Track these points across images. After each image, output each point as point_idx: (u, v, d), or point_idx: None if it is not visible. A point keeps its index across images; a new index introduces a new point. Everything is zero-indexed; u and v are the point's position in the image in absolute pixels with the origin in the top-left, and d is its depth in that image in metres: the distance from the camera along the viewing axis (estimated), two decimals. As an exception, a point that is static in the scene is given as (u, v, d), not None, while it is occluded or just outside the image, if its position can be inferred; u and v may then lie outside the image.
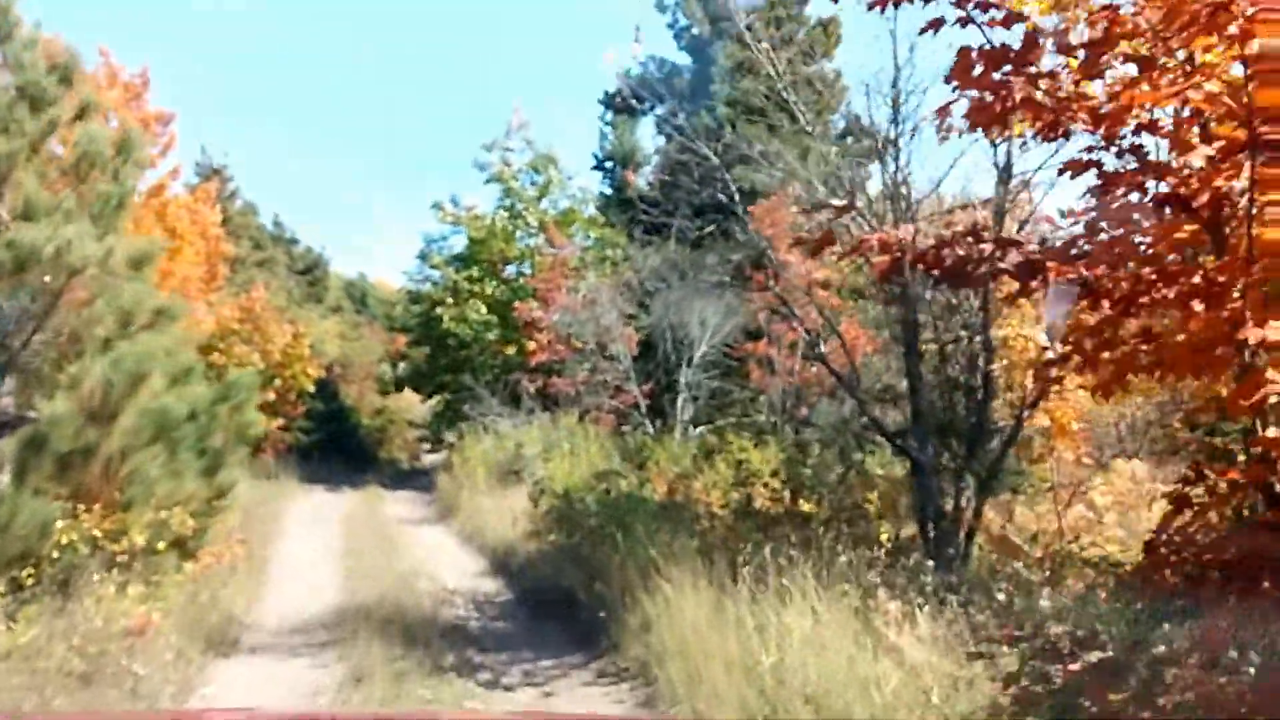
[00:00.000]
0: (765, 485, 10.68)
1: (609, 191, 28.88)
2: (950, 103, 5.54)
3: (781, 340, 19.57)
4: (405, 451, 36.83)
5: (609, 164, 30.42)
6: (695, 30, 27.11)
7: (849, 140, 25.32)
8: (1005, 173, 9.07)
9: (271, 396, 27.32)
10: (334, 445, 29.88)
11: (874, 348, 18.94)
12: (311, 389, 28.73)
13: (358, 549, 14.11)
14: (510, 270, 25.64)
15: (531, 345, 23.46)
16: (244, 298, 28.70)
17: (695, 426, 20.52)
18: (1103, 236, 5.31)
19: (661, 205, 22.44)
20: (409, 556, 13.66)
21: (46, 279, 8.27)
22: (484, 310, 23.79)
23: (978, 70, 5.19)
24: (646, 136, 26.79)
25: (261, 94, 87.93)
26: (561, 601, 9.36)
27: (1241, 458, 5.78)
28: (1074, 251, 5.46)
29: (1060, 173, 5.35)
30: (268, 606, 10.11)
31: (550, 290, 23.50)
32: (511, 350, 24.06)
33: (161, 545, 8.04)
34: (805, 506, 9.40)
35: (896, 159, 9.91)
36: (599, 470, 10.55)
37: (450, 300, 24.59)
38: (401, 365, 27.45)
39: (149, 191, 23.80)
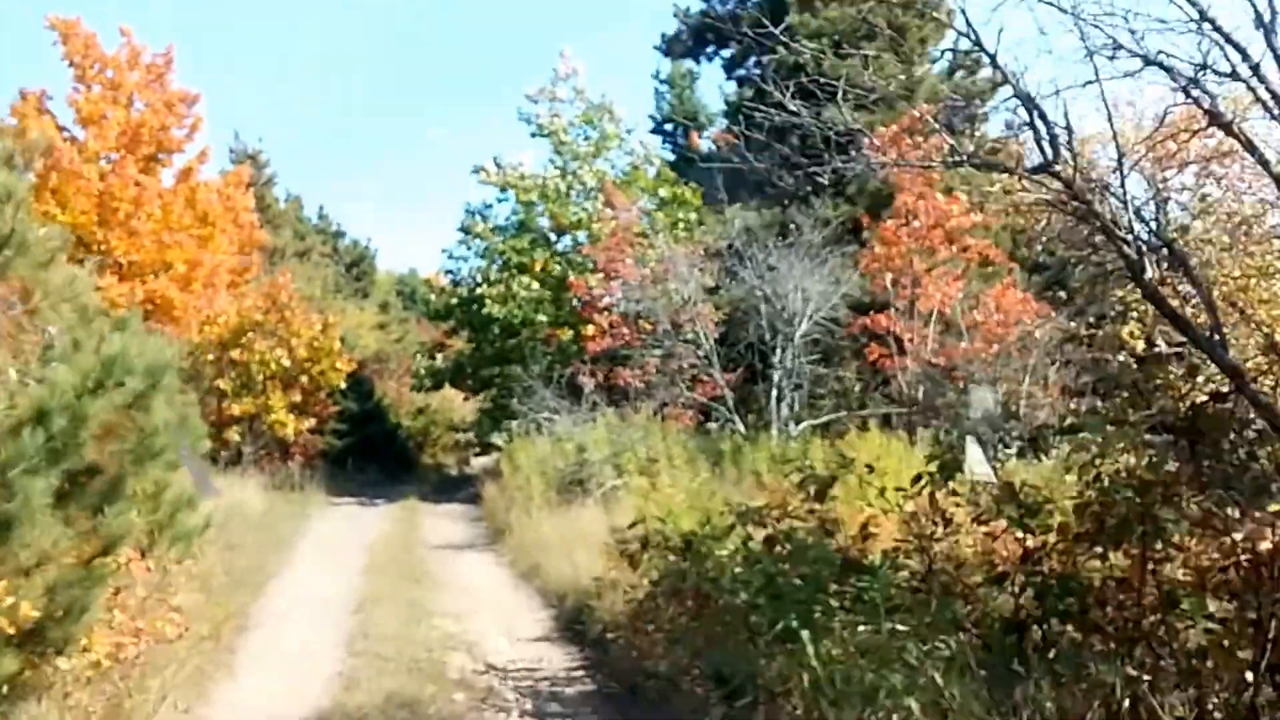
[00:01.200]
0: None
1: (671, 158, 25.16)
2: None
3: (912, 309, 15.84)
4: (452, 455, 33.40)
5: (669, 126, 26.71)
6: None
7: (960, 75, 21.59)
8: None
9: (298, 396, 24.05)
10: (370, 450, 26.48)
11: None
12: (343, 386, 25.32)
13: (377, 595, 10.58)
14: (564, 243, 21.97)
15: (590, 329, 19.86)
16: (268, 283, 25.41)
17: (796, 422, 16.80)
18: None
19: (738, 163, 18.70)
20: (443, 606, 10.10)
21: None
22: (534, 286, 20.18)
23: None
24: (710, 92, 23.02)
25: (306, 86, 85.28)
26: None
27: None
28: None
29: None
30: None
31: (612, 262, 19.86)
32: (567, 335, 20.43)
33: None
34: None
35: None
36: (739, 508, 6.66)
37: (495, 278, 21.03)
38: (440, 357, 23.90)
39: (177, 176, 22.29)
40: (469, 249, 22.01)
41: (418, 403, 31.42)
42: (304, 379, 24.47)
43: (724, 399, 17.09)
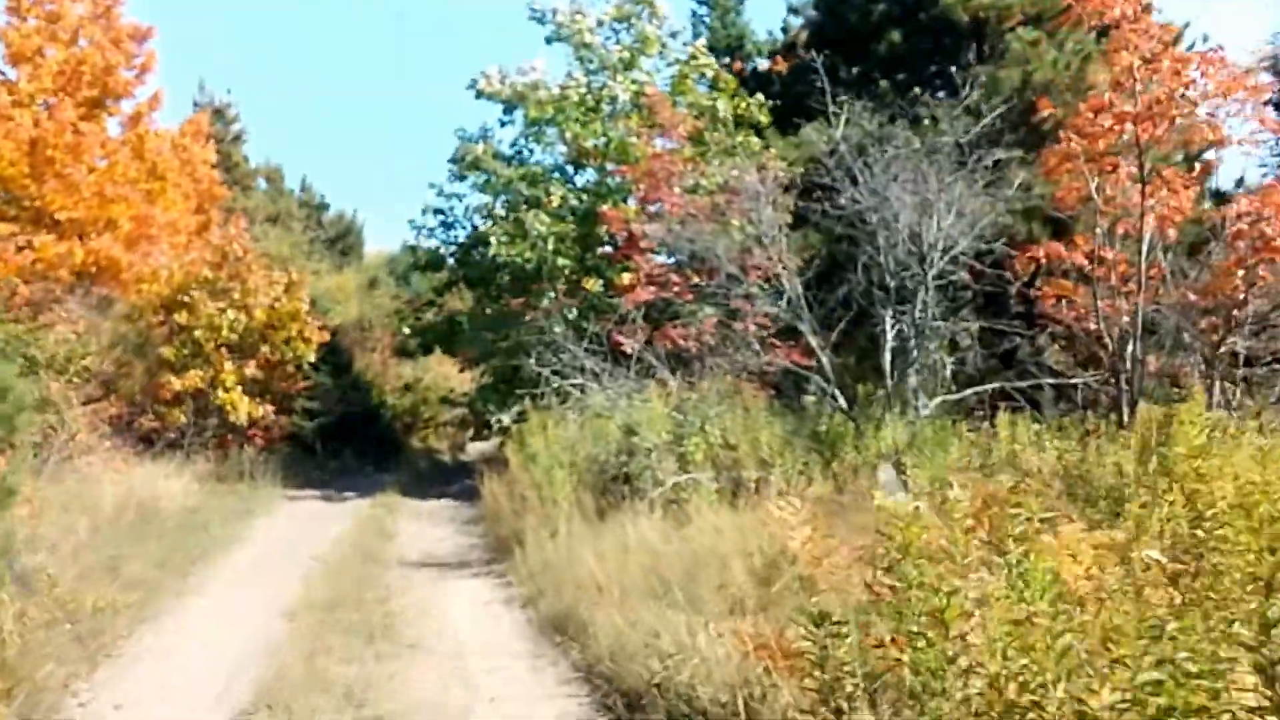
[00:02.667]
0: None
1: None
2: None
3: (1110, 234, 11.13)
4: (445, 440, 28.64)
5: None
6: None
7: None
8: None
9: (255, 369, 19.47)
10: (346, 433, 21.85)
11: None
12: (313, 358, 20.71)
13: (290, 677, 5.90)
14: (586, 178, 17.12)
15: (627, 277, 15.17)
16: (218, 235, 20.84)
17: (929, 396, 12.17)
18: None
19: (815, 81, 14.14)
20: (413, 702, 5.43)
21: None
22: (551, 223, 15.39)
23: None
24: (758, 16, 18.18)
25: (289, 54, 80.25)
26: None
27: None
28: None
29: None
30: None
31: (654, 193, 15.17)
32: (595, 286, 15.67)
33: None
34: None
35: None
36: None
37: (501, 215, 16.27)
38: (431, 313, 18.99)
39: (124, 124, 19.39)
40: (464, 181, 17.27)
41: (405, 377, 26.69)
42: (265, 349, 19.89)
43: (820, 365, 12.40)
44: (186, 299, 18.93)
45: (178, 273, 19.30)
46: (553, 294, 14.90)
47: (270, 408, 19.60)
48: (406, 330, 18.83)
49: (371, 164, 76.79)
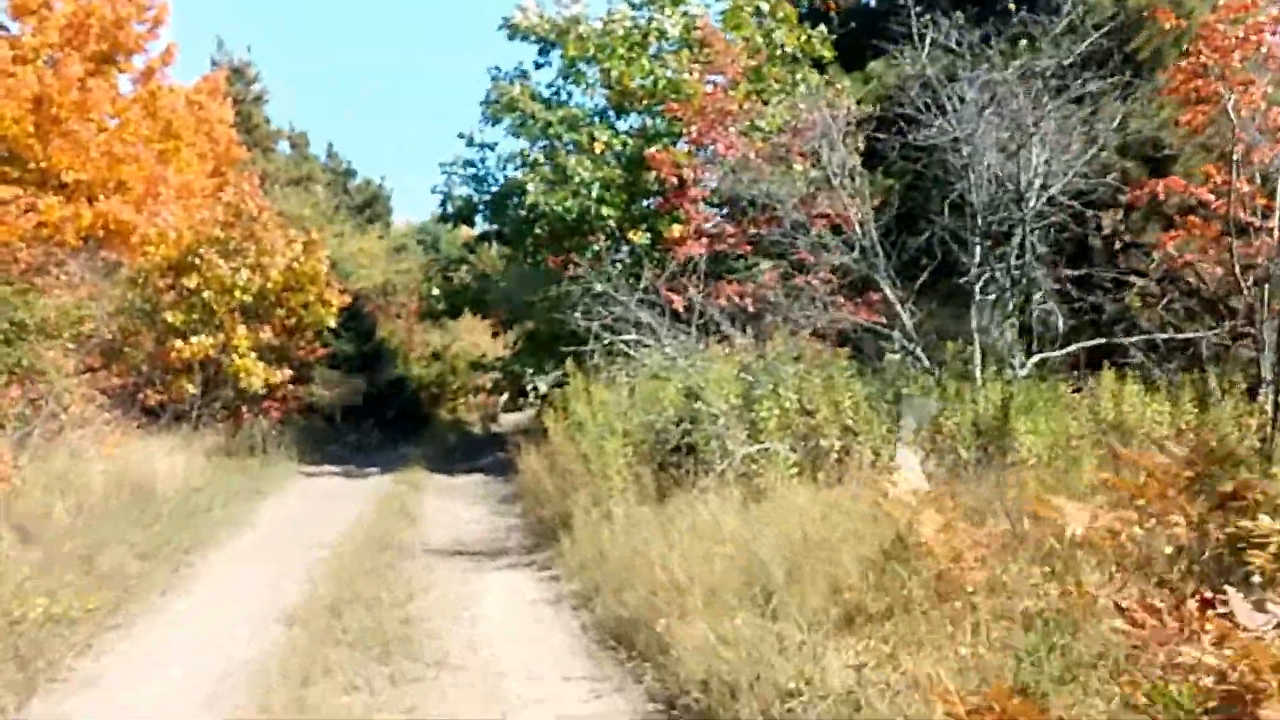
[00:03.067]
0: None
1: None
2: None
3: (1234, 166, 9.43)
4: (475, 412, 27.24)
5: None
6: None
7: None
8: None
9: (269, 335, 18.06)
10: (369, 403, 20.41)
11: None
12: (334, 324, 19.34)
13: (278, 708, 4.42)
14: (630, 123, 15.46)
15: (677, 228, 13.58)
16: (231, 193, 19.42)
17: (1026, 354, 10.57)
18: None
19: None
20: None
21: None
22: (595, 169, 13.77)
23: None
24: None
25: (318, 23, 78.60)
26: None
27: None
28: None
29: None
30: None
31: (708, 134, 13.54)
32: (642, 238, 14.07)
33: None
34: None
35: None
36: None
37: (538, 162, 14.65)
38: (460, 275, 17.34)
39: (136, 80, 18.32)
40: (497, 126, 15.67)
41: (432, 345, 25.22)
42: (281, 313, 18.49)
43: (899, 320, 10.80)
44: (196, 260, 17.40)
45: (187, 233, 17.84)
46: (596, 247, 13.27)
47: (287, 372, 18.22)
48: (435, 291, 17.16)
49: (399, 135, 75.37)
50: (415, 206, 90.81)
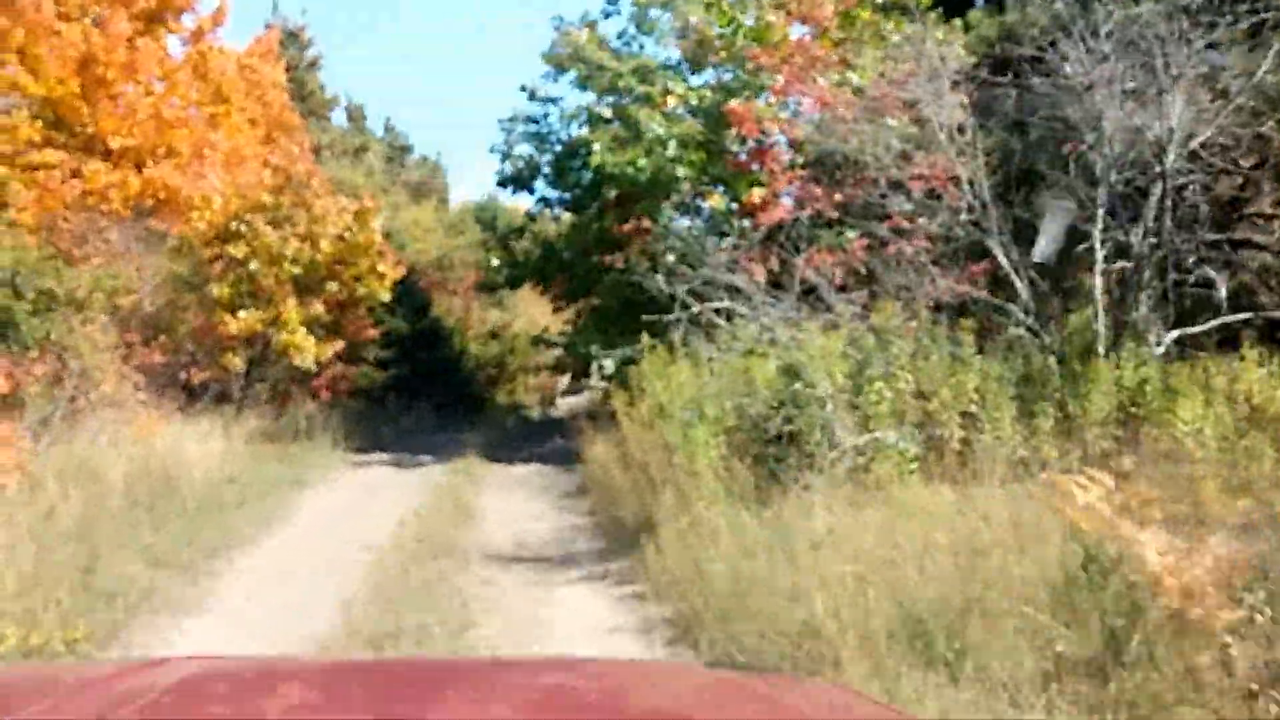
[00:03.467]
0: None
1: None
2: None
3: None
4: (534, 393, 26.17)
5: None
6: None
7: None
8: None
9: (321, 309, 17.07)
10: (422, 384, 19.43)
11: None
12: (387, 298, 18.39)
13: None
14: (705, 79, 14.11)
15: (758, 193, 12.31)
16: (279, 155, 18.55)
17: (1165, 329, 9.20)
18: None
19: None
20: None
21: None
22: (671, 125, 12.46)
23: None
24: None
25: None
26: None
27: None
28: None
29: None
30: None
31: (794, 87, 12.24)
32: (720, 202, 12.82)
33: None
34: None
35: None
36: None
37: (606, 118, 13.41)
38: (523, 244, 16.10)
39: (185, 40, 17.59)
40: (561, 79, 14.46)
41: (491, 323, 24.16)
42: (332, 286, 17.56)
43: (1016, 294, 9.45)
44: (242, 227, 16.39)
45: (234, 198, 16.86)
46: (670, 213, 12.06)
47: (339, 345, 17.28)
48: (494, 262, 15.96)
49: (458, 114, 74.43)
50: (472, 186, 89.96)
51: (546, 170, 14.87)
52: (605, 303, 13.86)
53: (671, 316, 9.06)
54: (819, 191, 11.83)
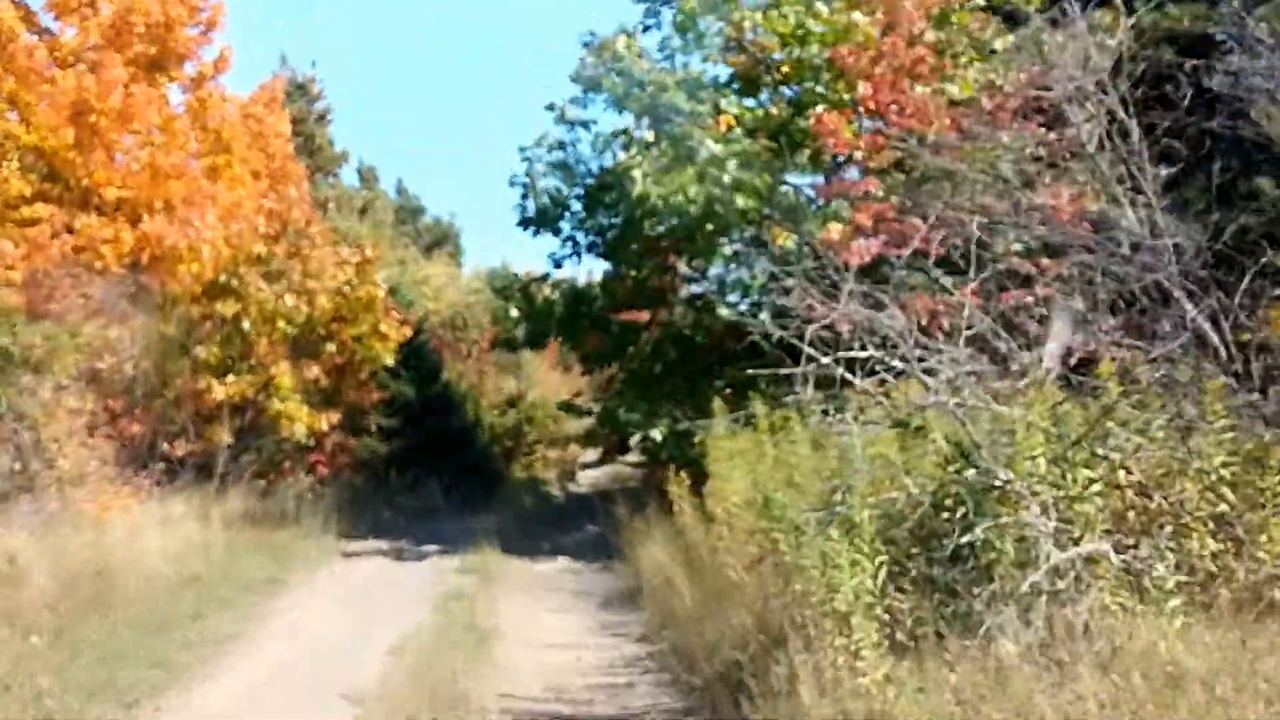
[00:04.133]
0: None
1: None
2: None
3: None
4: (554, 466, 23.75)
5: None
6: None
7: None
8: None
9: (317, 373, 14.71)
10: (431, 457, 17.08)
11: None
12: (391, 361, 16.33)
13: None
14: (759, 102, 11.84)
15: (835, 229, 10.04)
16: (274, 199, 16.67)
17: None
18: None
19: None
20: None
21: None
22: (727, 147, 10.17)
23: None
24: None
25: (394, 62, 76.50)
26: None
27: None
28: None
29: None
30: None
31: (883, 96, 10.03)
32: (787, 239, 10.49)
33: None
34: None
35: None
36: None
37: (647, 141, 11.11)
38: (545, 294, 13.46)
39: (185, 87, 16.36)
40: (593, 102, 12.17)
41: (506, 391, 21.78)
42: (330, 347, 15.50)
43: (1222, 345, 7.11)
44: (234, 281, 14.49)
45: (224, 249, 14.63)
46: (730, 250, 9.81)
47: (335, 416, 15.11)
48: (513, 312, 13.20)
49: (471, 180, 72.71)
50: (487, 253, 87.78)
51: (575, 206, 12.60)
52: (645, 364, 11.54)
53: (768, 371, 6.53)
54: (918, 226, 9.58)
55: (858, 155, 10.09)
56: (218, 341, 14.66)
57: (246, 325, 14.67)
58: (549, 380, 25.29)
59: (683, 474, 8.44)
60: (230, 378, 14.12)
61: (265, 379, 14.71)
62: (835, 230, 10.08)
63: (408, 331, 16.39)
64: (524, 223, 12.79)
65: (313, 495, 13.77)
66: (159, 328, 14.29)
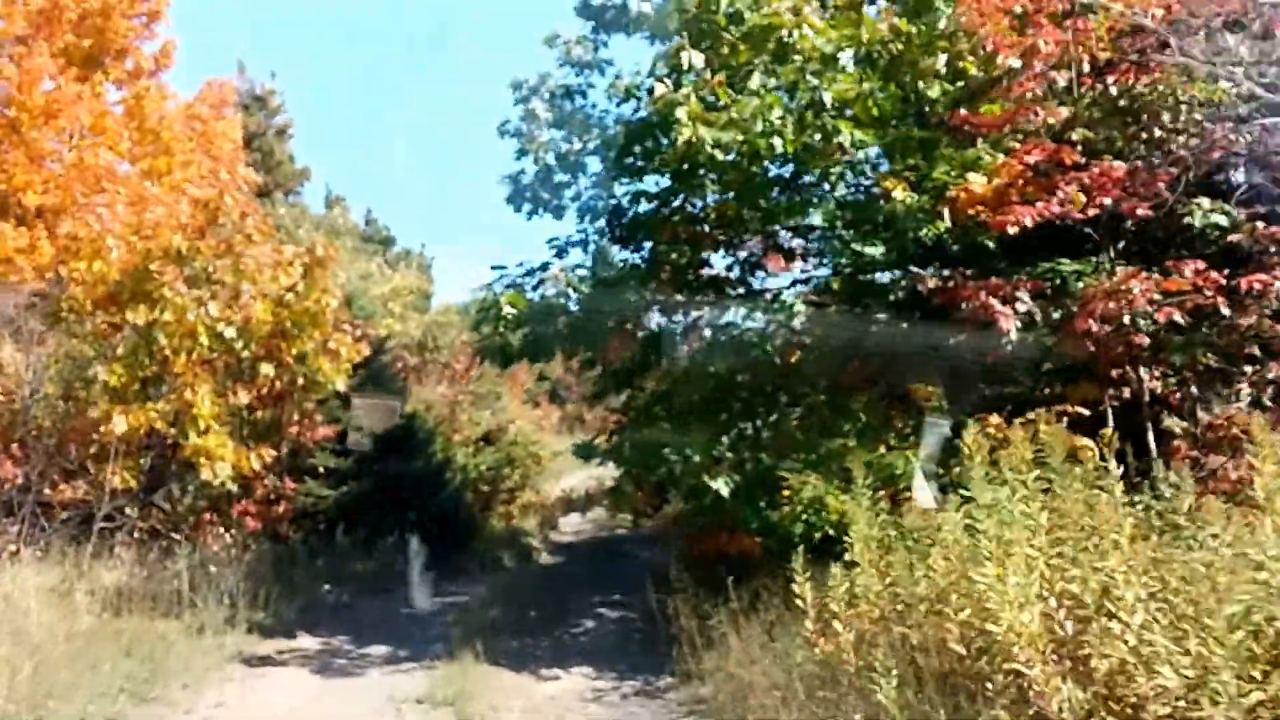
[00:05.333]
0: None
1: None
2: None
3: None
4: (535, 515, 20.27)
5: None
6: None
7: None
8: None
9: (249, 400, 12.25)
10: (393, 507, 13.66)
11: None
12: (343, 388, 13.16)
13: None
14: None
15: (978, 180, 6.87)
16: (205, 181, 13.81)
17: None
18: None
19: None
20: None
21: None
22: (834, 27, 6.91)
23: None
24: None
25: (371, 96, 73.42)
26: None
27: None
28: None
29: None
30: None
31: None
32: (908, 196, 7.15)
33: None
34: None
35: None
36: None
37: (694, 68, 7.80)
38: (548, 284, 9.87)
39: (124, 81, 15.15)
40: (607, 42, 8.95)
41: (484, 425, 18.17)
42: (266, 369, 12.23)
43: None
44: (148, 284, 11.44)
45: (135, 241, 11.98)
46: (827, 213, 6.63)
47: (271, 454, 11.93)
48: (506, 310, 9.09)
49: (441, 214, 69.45)
50: (453, 289, 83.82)
51: (586, 185, 9.29)
52: (686, 389, 8.18)
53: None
54: (1117, 172, 6.47)
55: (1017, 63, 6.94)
56: (122, 359, 11.55)
57: (161, 339, 11.42)
58: (521, 415, 22.02)
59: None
60: (137, 406, 11.05)
61: (181, 406, 11.57)
62: (977, 183, 6.93)
63: (364, 350, 13.16)
64: (515, 198, 9.51)
65: (230, 559, 10.37)
66: (72, 346, 11.86)
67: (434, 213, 63.48)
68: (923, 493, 5.47)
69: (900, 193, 7.00)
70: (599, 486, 20.54)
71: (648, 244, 9.20)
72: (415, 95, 68.02)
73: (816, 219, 6.94)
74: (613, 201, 9.59)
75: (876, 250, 6.95)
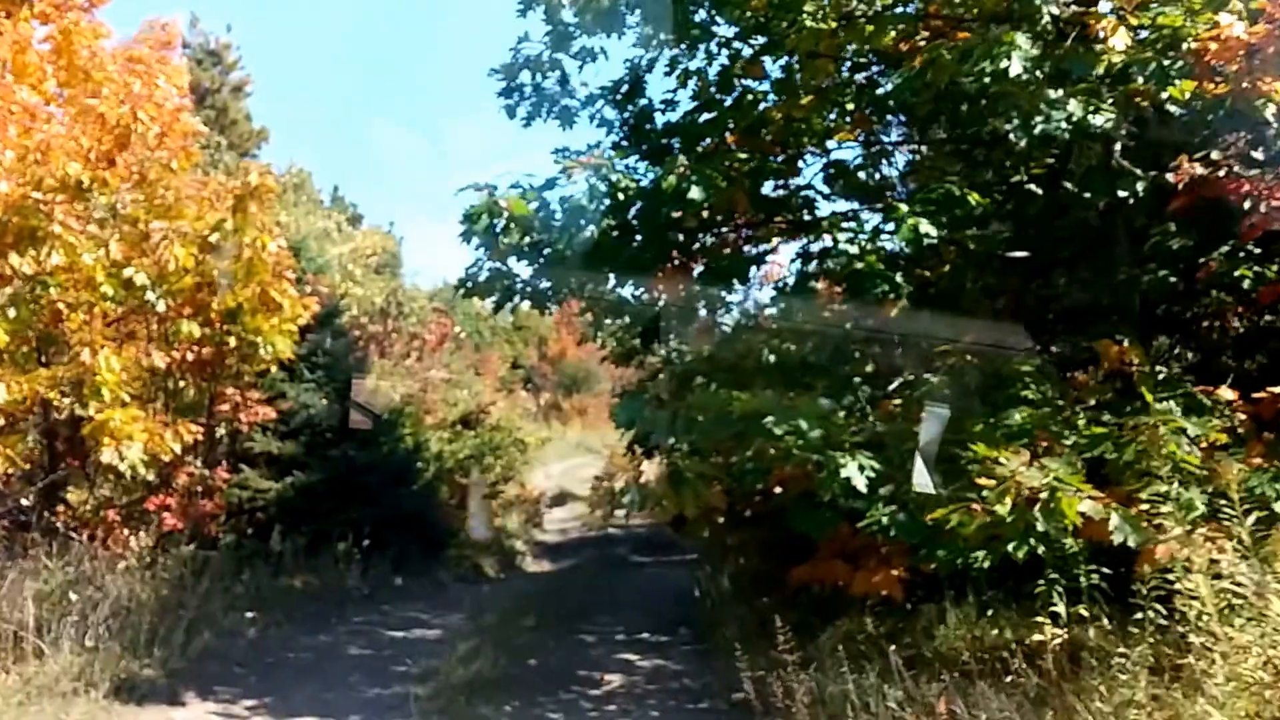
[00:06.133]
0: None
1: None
2: None
3: None
4: (519, 512, 17.57)
5: None
6: None
7: None
8: None
9: (166, 365, 9.80)
10: (349, 503, 11.04)
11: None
12: (289, 355, 10.49)
13: None
14: None
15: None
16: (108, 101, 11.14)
17: None
18: None
19: None
20: None
21: None
22: None
23: None
24: None
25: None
26: None
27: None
28: None
29: None
30: None
31: None
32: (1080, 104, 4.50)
33: None
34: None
35: None
36: None
37: None
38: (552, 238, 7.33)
39: (49, 14, 11.97)
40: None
41: (460, 406, 15.29)
42: (190, 328, 9.55)
43: None
44: (34, 221, 8.98)
45: (20, 170, 9.27)
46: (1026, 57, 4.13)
47: (196, 434, 9.61)
48: (511, 216, 6.28)
49: (412, 194, 66.67)
50: (423, 277, 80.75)
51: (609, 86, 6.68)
52: (769, 340, 5.57)
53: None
54: None
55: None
56: (4, 314, 9.09)
57: (52, 289, 9.12)
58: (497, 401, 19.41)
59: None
60: (25, 371, 8.99)
61: (79, 372, 9.08)
62: (1234, 28, 4.42)
63: (314, 307, 10.57)
64: (508, 93, 6.87)
65: (130, 570, 7.76)
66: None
67: (406, 195, 60.79)
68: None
69: (1121, 36, 4.47)
70: (608, 479, 18.16)
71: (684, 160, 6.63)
72: (392, 72, 65.25)
73: (1015, 66, 4.36)
74: (641, 103, 7.08)
75: (1101, 118, 4.44)
